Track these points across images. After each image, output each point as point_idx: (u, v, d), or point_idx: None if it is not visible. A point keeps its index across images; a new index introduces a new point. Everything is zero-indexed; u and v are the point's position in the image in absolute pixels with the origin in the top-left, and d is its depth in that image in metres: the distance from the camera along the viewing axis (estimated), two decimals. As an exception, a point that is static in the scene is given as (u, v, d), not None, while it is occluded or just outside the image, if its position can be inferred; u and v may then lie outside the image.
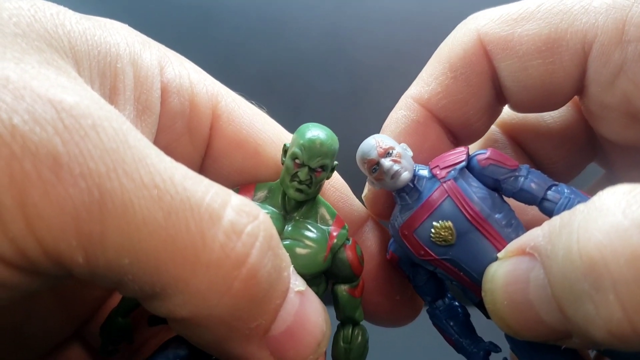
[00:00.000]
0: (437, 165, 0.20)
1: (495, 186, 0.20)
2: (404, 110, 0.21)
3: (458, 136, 0.22)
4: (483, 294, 0.18)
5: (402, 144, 0.21)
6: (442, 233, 0.19)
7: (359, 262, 0.20)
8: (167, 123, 0.18)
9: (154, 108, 0.17)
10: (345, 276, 0.20)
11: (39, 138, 0.11)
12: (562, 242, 0.14)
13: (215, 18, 0.47)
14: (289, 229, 0.20)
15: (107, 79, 0.16)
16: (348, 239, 0.21)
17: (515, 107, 0.21)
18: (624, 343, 0.13)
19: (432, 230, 0.19)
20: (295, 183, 0.19)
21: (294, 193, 0.20)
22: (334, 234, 0.20)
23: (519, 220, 0.20)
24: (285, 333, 0.15)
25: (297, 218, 0.20)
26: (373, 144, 0.20)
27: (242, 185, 0.20)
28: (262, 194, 0.20)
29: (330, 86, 0.49)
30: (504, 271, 0.17)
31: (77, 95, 0.12)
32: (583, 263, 0.13)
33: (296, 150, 0.19)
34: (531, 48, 0.18)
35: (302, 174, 0.19)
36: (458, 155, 0.20)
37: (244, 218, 0.14)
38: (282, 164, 0.20)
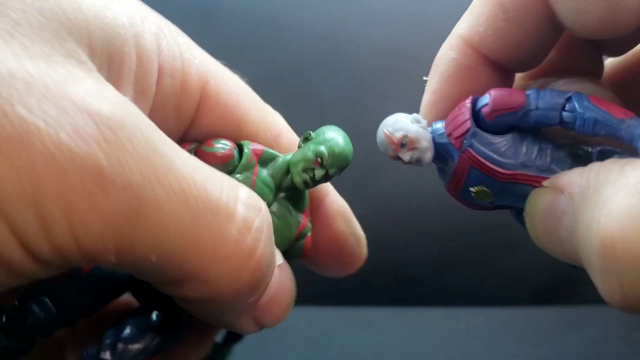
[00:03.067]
0: (451, 134, 0.19)
1: (514, 126, 0.19)
2: (455, 52, 0.19)
3: (513, 71, 0.21)
4: (525, 214, 0.18)
5: (413, 116, 0.20)
6: (481, 195, 0.19)
7: (307, 254, 0.22)
8: (159, 105, 0.18)
9: (151, 91, 0.17)
10: (290, 258, 0.21)
11: (84, 152, 0.12)
12: (589, 208, 0.15)
13: (215, 18, 0.47)
14: (276, 203, 0.20)
15: (114, 64, 0.16)
16: (309, 232, 0.22)
17: (578, 37, 0.20)
18: (616, 307, 0.14)
19: (472, 193, 0.19)
20: (306, 175, 0.20)
21: (300, 182, 0.20)
22: (304, 222, 0.21)
23: (556, 144, 0.19)
24: (269, 302, 0.19)
25: (283, 197, 0.21)
26: (384, 138, 0.20)
27: (253, 145, 0.20)
28: (267, 159, 0.20)
29: (330, 86, 0.49)
30: (543, 203, 0.17)
31: (110, 103, 0.13)
32: (598, 245, 0.14)
33: (324, 152, 0.19)
34: None
35: (319, 174, 0.20)
36: (463, 117, 0.19)
37: (252, 212, 0.16)
38: (299, 147, 0.20)
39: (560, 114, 0.18)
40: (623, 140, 0.17)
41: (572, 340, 0.41)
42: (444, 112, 0.20)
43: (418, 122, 0.20)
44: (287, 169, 0.20)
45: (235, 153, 0.19)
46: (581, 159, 0.19)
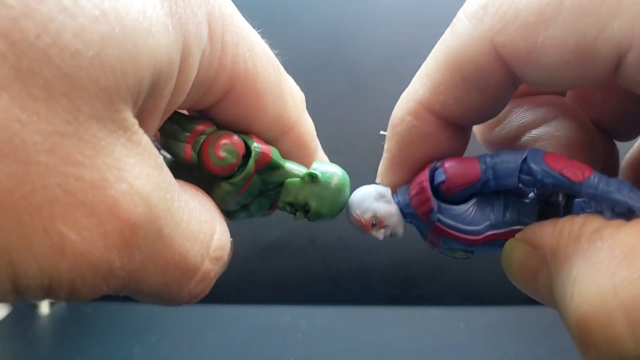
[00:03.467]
0: (416, 209, 0.19)
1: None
2: (415, 120, 0.19)
3: (472, 124, 0.21)
4: (502, 262, 0.19)
5: (377, 191, 0.20)
6: (459, 254, 0.20)
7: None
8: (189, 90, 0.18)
9: (184, 94, 0.17)
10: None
11: (103, 257, 0.13)
12: (562, 279, 0.15)
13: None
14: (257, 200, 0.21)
15: (156, 90, 0.16)
16: None
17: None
18: None
19: (450, 253, 0.20)
20: (288, 207, 0.20)
21: (280, 205, 0.20)
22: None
23: (521, 195, 0.19)
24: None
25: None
26: (354, 221, 0.20)
27: (262, 144, 0.19)
28: (271, 167, 0.20)
29: (330, 86, 0.49)
30: (518, 256, 0.18)
31: (141, 204, 0.14)
32: (575, 322, 0.14)
33: (314, 209, 0.20)
34: (558, 60, 0.15)
35: (299, 216, 0.20)
36: (425, 196, 0.19)
37: (214, 265, 0.17)
38: (302, 179, 0.20)
39: (519, 177, 0.18)
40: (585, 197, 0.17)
41: (570, 340, 0.41)
42: (405, 175, 0.20)
43: (383, 196, 0.20)
44: (281, 183, 0.20)
45: (239, 154, 0.19)
46: (549, 207, 0.19)
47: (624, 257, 0.14)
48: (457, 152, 0.20)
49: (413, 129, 0.19)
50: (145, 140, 0.14)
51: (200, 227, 0.16)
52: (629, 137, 0.22)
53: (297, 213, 0.20)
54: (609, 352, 0.14)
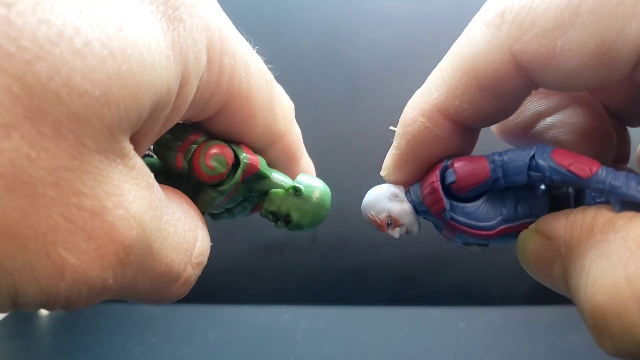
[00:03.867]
0: (430, 208, 0.20)
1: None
2: (428, 122, 0.19)
3: (484, 127, 0.21)
4: (517, 252, 0.19)
5: (390, 191, 0.20)
6: (474, 247, 0.20)
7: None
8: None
9: (183, 111, 0.18)
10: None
11: (99, 277, 0.14)
12: (576, 270, 0.16)
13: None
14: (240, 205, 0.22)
15: (155, 115, 0.16)
16: None
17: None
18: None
19: (465, 246, 0.20)
20: (270, 216, 0.21)
21: (263, 213, 0.21)
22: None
23: (532, 189, 0.19)
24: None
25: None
26: (370, 222, 0.20)
27: (250, 155, 0.20)
28: (258, 177, 0.20)
29: (330, 86, 0.49)
30: (532, 247, 0.18)
31: (136, 226, 0.15)
32: (589, 312, 0.15)
33: (294, 219, 0.21)
34: (577, 64, 0.15)
35: (280, 226, 0.21)
36: (437, 196, 0.19)
37: (196, 270, 0.18)
38: (286, 190, 0.21)
39: (528, 174, 0.18)
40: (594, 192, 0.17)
41: (571, 339, 0.41)
42: (414, 172, 0.20)
43: (396, 196, 0.20)
44: (266, 192, 0.21)
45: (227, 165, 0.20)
46: (560, 199, 0.19)
47: (636, 249, 0.14)
48: (466, 151, 0.20)
49: (425, 130, 0.19)
50: (139, 164, 0.15)
51: (184, 237, 0.17)
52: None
53: (279, 222, 0.21)
54: (625, 341, 0.14)
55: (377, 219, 0.20)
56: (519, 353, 0.40)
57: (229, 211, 0.22)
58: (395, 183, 0.21)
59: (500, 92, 0.17)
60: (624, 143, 0.22)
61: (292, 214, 0.20)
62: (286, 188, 0.21)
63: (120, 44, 0.13)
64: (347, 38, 0.50)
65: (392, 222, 0.20)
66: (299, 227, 0.21)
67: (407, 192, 0.20)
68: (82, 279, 0.14)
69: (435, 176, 0.19)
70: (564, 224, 0.17)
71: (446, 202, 0.19)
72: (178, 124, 0.19)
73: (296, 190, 0.20)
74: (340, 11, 0.50)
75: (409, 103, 0.20)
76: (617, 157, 0.22)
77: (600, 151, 0.20)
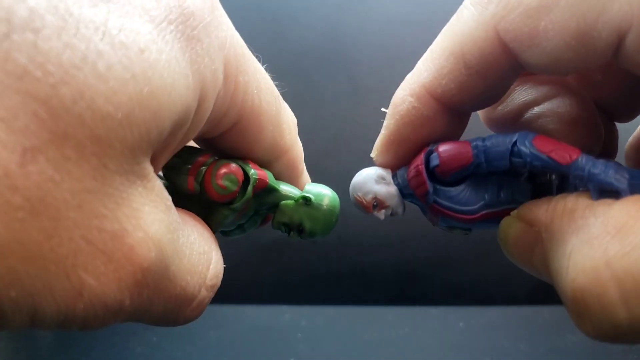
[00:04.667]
0: (414, 191, 0.20)
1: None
2: (416, 102, 0.19)
3: (472, 111, 0.21)
4: (498, 239, 0.19)
5: (377, 174, 0.21)
6: (457, 231, 0.20)
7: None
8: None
9: (198, 129, 0.18)
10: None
11: (116, 298, 0.14)
12: (558, 254, 0.16)
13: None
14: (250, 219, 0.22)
15: (174, 134, 0.16)
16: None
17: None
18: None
19: (449, 230, 0.21)
20: (282, 227, 0.21)
21: (275, 226, 0.21)
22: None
23: (515, 176, 0.19)
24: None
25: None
26: (357, 202, 0.21)
27: (258, 170, 0.20)
28: (267, 191, 0.21)
29: (331, 86, 0.49)
30: (514, 233, 0.18)
31: (154, 249, 0.15)
32: (570, 295, 0.15)
33: (308, 228, 0.21)
34: (560, 43, 0.16)
35: (294, 236, 0.21)
36: (421, 179, 0.19)
37: (209, 292, 0.18)
38: (296, 201, 0.21)
39: (510, 160, 0.18)
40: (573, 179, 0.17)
41: (571, 339, 0.41)
42: (401, 153, 0.20)
43: (383, 178, 0.21)
44: (276, 205, 0.21)
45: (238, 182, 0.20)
46: (542, 186, 0.19)
47: (616, 233, 0.15)
48: (454, 136, 0.20)
49: (413, 110, 0.19)
50: (158, 185, 0.15)
51: (199, 259, 0.18)
52: (629, 117, 0.23)
53: (292, 233, 0.21)
54: (604, 322, 0.15)
55: (364, 201, 0.21)
56: (519, 353, 0.40)
57: (240, 227, 0.22)
58: (383, 165, 0.21)
59: (486, 72, 0.18)
60: (612, 137, 0.23)
61: (305, 224, 0.21)
62: (296, 198, 0.21)
63: (142, 67, 0.13)
64: (347, 38, 0.50)
65: (378, 204, 0.21)
66: (312, 235, 0.21)
67: (394, 175, 0.21)
68: (99, 300, 0.14)
69: (419, 159, 0.20)
70: (545, 209, 0.17)
71: (429, 185, 0.19)
72: (186, 147, 0.19)
73: (306, 200, 0.21)
74: (340, 11, 0.50)
75: (400, 84, 0.20)
76: (605, 152, 0.22)
77: (587, 141, 0.21)
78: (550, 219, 0.17)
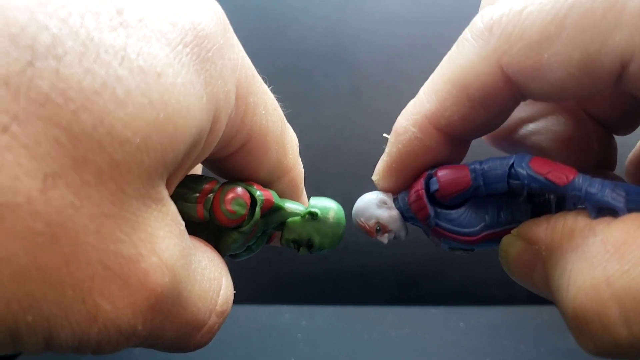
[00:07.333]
0: (416, 214, 0.20)
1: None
2: (419, 132, 0.19)
3: (473, 139, 0.21)
4: (499, 257, 0.20)
5: (378, 198, 0.21)
6: (460, 251, 0.21)
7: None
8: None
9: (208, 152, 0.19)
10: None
11: (130, 324, 0.14)
12: (558, 272, 0.16)
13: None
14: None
15: (188, 156, 0.17)
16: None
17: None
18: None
19: (451, 250, 0.21)
20: (292, 244, 0.21)
21: (284, 243, 0.21)
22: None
23: (514, 196, 0.19)
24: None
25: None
26: (360, 227, 0.21)
27: (264, 191, 0.20)
28: (273, 210, 0.21)
29: (331, 86, 0.49)
30: (514, 252, 0.18)
31: (168, 274, 0.15)
32: (571, 313, 0.15)
33: (317, 243, 0.21)
34: (563, 74, 0.16)
35: (303, 252, 0.21)
36: (421, 203, 0.20)
37: (220, 318, 0.18)
38: (302, 217, 0.21)
39: (508, 182, 0.18)
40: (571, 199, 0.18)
41: (571, 339, 0.41)
42: (403, 180, 0.21)
43: (385, 203, 0.21)
44: (283, 222, 0.21)
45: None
46: (541, 207, 0.19)
47: (615, 251, 0.15)
48: (454, 161, 0.21)
49: (415, 140, 0.20)
50: (172, 210, 0.15)
51: (210, 285, 0.18)
52: (626, 131, 0.23)
53: (301, 249, 0.21)
54: (604, 340, 0.15)
55: (367, 225, 0.21)
56: (519, 353, 0.40)
57: (248, 248, 0.22)
58: (384, 190, 0.21)
59: (489, 104, 0.18)
60: (610, 150, 0.23)
61: (314, 238, 0.21)
62: (302, 214, 0.21)
63: (159, 91, 0.13)
64: (347, 38, 0.50)
65: (380, 228, 0.21)
66: (321, 248, 0.22)
67: (395, 199, 0.21)
68: (113, 325, 0.14)
69: (420, 184, 0.20)
70: (545, 228, 0.17)
71: (430, 209, 0.20)
72: (190, 175, 0.20)
73: (312, 215, 0.21)
74: (341, 11, 0.50)
75: (402, 112, 0.20)
76: (604, 164, 0.22)
77: (578, 159, 0.21)
78: (550, 237, 0.17)
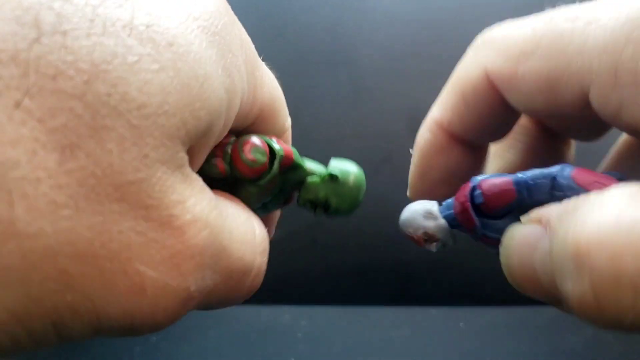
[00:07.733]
0: (463, 225, 0.21)
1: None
2: (429, 134, 0.22)
3: (480, 144, 0.23)
4: (501, 248, 0.20)
5: (424, 209, 0.21)
6: None
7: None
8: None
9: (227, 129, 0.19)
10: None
11: (179, 286, 0.14)
12: (566, 224, 0.16)
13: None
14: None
15: (206, 134, 0.17)
16: None
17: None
18: (590, 319, 0.15)
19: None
20: (308, 204, 0.21)
21: (301, 203, 0.21)
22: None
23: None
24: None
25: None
26: (408, 238, 0.22)
27: (283, 146, 0.20)
28: (292, 168, 0.20)
29: (332, 86, 0.49)
30: (520, 234, 0.19)
31: (204, 230, 0.15)
32: (573, 248, 0.15)
33: (333, 204, 0.21)
34: (533, 87, 0.18)
35: (319, 213, 0.21)
36: (468, 215, 0.20)
37: (263, 258, 0.19)
38: (322, 178, 0.21)
39: (551, 194, 0.19)
40: None
41: (571, 340, 0.41)
42: (430, 182, 0.23)
43: (430, 213, 0.21)
44: (301, 182, 0.21)
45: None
46: None
47: (635, 193, 0.14)
48: (473, 166, 0.23)
49: (428, 142, 0.22)
50: (191, 172, 0.15)
51: (245, 229, 0.18)
52: (590, 140, 0.24)
53: (317, 210, 0.21)
54: (606, 274, 0.14)
55: (415, 236, 0.22)
56: (519, 353, 0.40)
57: (263, 206, 0.22)
58: (415, 198, 0.22)
59: (481, 108, 0.20)
60: (565, 146, 0.25)
61: (331, 201, 0.21)
62: (322, 175, 0.21)
63: (171, 58, 0.14)
64: (347, 38, 0.50)
65: (428, 238, 0.22)
66: (337, 212, 0.21)
67: (440, 207, 0.22)
68: (164, 292, 0.14)
69: (464, 197, 0.20)
70: (559, 204, 0.17)
71: (477, 221, 0.20)
72: None
73: (332, 177, 0.21)
74: (341, 11, 0.50)
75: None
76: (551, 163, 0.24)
77: (531, 166, 0.22)
78: (563, 207, 0.17)
